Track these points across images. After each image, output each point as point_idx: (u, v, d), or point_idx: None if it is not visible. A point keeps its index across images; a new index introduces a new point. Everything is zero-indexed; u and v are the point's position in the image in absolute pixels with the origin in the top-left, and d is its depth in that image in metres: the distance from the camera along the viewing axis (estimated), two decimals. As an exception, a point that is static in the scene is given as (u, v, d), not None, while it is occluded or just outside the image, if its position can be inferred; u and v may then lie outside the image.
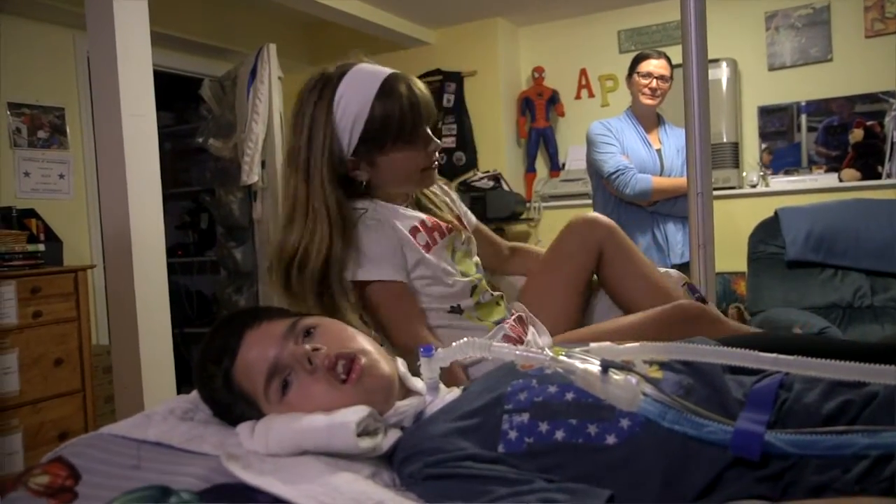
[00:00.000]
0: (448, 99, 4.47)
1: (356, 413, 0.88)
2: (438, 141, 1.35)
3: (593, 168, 3.00)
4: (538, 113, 4.39)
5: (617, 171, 2.83)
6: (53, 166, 3.67)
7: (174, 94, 4.60)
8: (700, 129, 1.68)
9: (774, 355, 0.84)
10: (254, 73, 3.79)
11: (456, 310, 1.36)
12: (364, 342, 1.00)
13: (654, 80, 2.88)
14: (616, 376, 0.84)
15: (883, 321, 3.03)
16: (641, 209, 2.91)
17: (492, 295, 1.42)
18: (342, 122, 1.27)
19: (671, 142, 3.00)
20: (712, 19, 4.01)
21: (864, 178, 3.57)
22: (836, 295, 3.19)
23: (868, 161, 3.57)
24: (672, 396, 0.85)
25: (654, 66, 2.89)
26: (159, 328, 2.75)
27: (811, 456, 0.76)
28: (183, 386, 3.01)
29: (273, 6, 3.90)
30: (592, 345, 0.90)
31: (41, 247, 3.07)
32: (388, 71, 1.32)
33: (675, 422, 0.82)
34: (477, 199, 4.01)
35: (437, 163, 1.35)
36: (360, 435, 0.87)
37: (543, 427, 0.86)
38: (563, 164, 4.43)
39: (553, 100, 4.41)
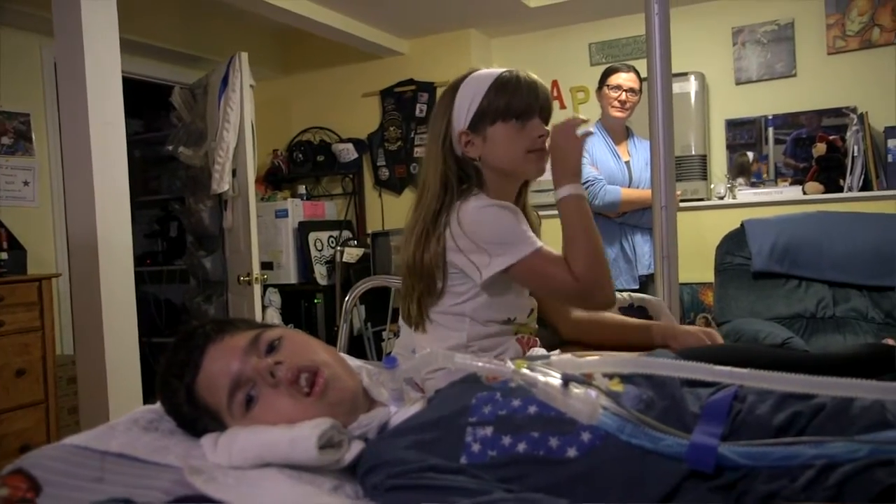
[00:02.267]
0: (421, 109, 4.49)
1: (318, 426, 0.89)
2: (547, 129, 1.39)
3: None
4: (510, 123, 4.43)
5: (586, 182, 2.87)
6: (18, 173, 3.62)
7: (143, 100, 4.57)
8: (664, 143, 1.72)
9: (729, 369, 0.87)
10: (225, 81, 3.77)
11: (510, 321, 1.39)
12: (327, 355, 1.01)
13: (624, 93, 2.93)
14: (576, 390, 0.86)
15: (844, 331, 3.10)
16: (610, 220, 2.95)
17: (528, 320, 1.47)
18: (460, 103, 1.36)
19: (640, 154, 3.05)
20: (681, 34, 4.11)
21: (827, 191, 3.65)
22: (801, 305, 3.27)
23: (831, 174, 3.65)
24: (630, 411, 0.87)
25: (623, 79, 2.94)
26: (126, 338, 2.72)
27: (762, 467, 0.78)
28: (149, 397, 2.98)
29: (245, 15, 3.90)
30: (554, 358, 0.92)
31: (4, 255, 3.03)
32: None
33: (634, 435, 0.84)
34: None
35: (543, 149, 1.38)
36: (322, 447, 0.88)
37: (506, 440, 0.88)
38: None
39: (525, 111, 4.45)
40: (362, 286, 1.89)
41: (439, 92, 4.48)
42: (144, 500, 0.79)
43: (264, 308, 3.91)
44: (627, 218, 2.95)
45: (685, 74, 3.94)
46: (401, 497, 0.83)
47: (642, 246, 2.98)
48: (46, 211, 3.73)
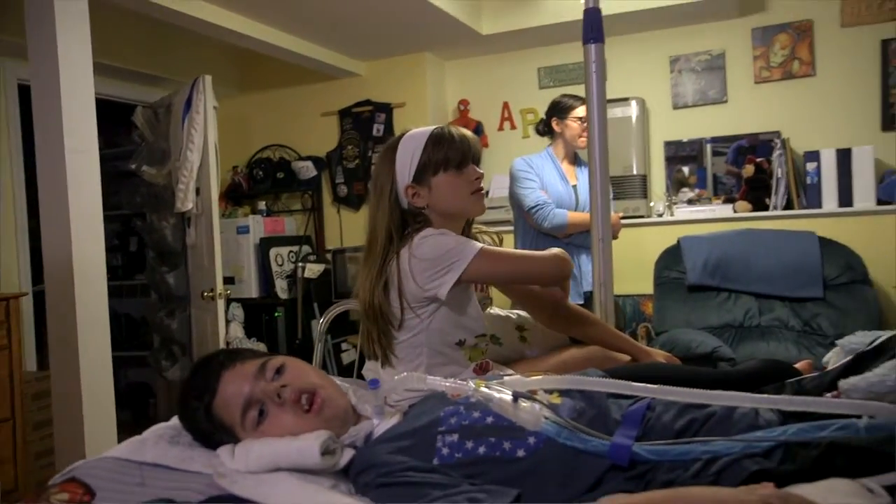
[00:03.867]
0: (377, 129, 4.70)
1: (319, 437, 1.12)
2: (481, 171, 1.63)
3: (515, 201, 3.29)
4: (463, 143, 4.68)
5: (536, 205, 3.13)
6: (-20, 193, 3.71)
7: (102, 117, 4.66)
8: (601, 181, 1.98)
9: (643, 385, 1.14)
10: (189, 102, 3.93)
11: (460, 343, 1.59)
12: (320, 379, 1.24)
13: (585, 124, 3.18)
14: (524, 403, 1.11)
15: (768, 339, 3.44)
16: (558, 240, 3.21)
17: (486, 345, 1.67)
18: (402, 160, 1.57)
19: (586, 179, 3.32)
20: (623, 62, 4.43)
21: (755, 209, 3.99)
22: (730, 316, 3.60)
23: (758, 194, 4.00)
24: (566, 419, 1.12)
25: (584, 111, 3.19)
26: (100, 353, 2.86)
27: (664, 461, 1.04)
28: (121, 409, 3.11)
29: (206, 37, 4.05)
30: (506, 378, 1.17)
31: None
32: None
33: (568, 439, 1.09)
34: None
35: (481, 189, 1.63)
36: (323, 454, 1.10)
37: (469, 444, 1.11)
38: (487, 192, 4.73)
39: (477, 131, 4.70)
40: (334, 310, 2.11)
41: (396, 112, 4.71)
42: (183, 500, 1.00)
43: (228, 322, 4.06)
44: (574, 239, 3.21)
45: (627, 100, 4.25)
46: (388, 492, 1.06)
47: (587, 265, 3.25)
48: (10, 230, 3.82)
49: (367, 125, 4.74)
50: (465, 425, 1.14)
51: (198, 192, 3.97)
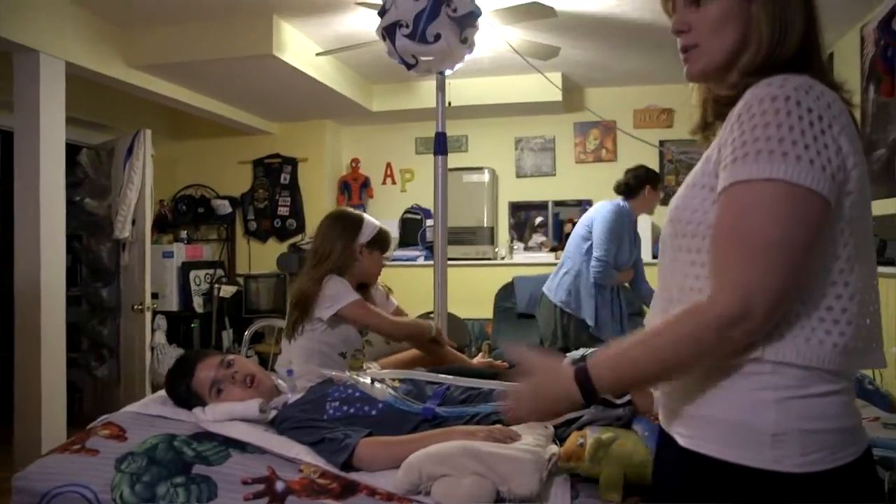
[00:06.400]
0: (285, 178, 5.29)
1: (257, 401, 1.76)
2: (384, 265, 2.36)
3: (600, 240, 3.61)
4: (353, 193, 5.36)
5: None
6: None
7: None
8: (441, 244, 2.70)
9: (444, 375, 1.86)
10: (130, 150, 4.38)
11: (343, 355, 2.23)
12: (258, 369, 1.88)
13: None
14: (377, 384, 1.80)
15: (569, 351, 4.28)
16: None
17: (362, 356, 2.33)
18: (366, 231, 2.28)
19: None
20: (480, 139, 5.22)
21: (571, 257, 4.87)
22: (546, 337, 4.42)
23: (574, 246, 4.88)
24: (400, 394, 1.81)
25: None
26: (57, 363, 3.30)
27: (452, 416, 1.75)
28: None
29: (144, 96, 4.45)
30: (369, 371, 1.85)
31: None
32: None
33: (401, 405, 1.78)
34: (303, 259, 4.86)
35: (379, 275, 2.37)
36: (260, 412, 1.74)
37: (345, 408, 1.78)
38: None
39: (365, 184, 5.39)
40: (257, 325, 2.72)
41: (301, 165, 5.31)
42: (180, 433, 1.61)
43: (153, 331, 4.50)
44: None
45: (481, 168, 5.06)
46: (297, 432, 1.71)
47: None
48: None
49: (276, 174, 5.32)
50: (344, 397, 1.81)
51: (133, 222, 4.41)
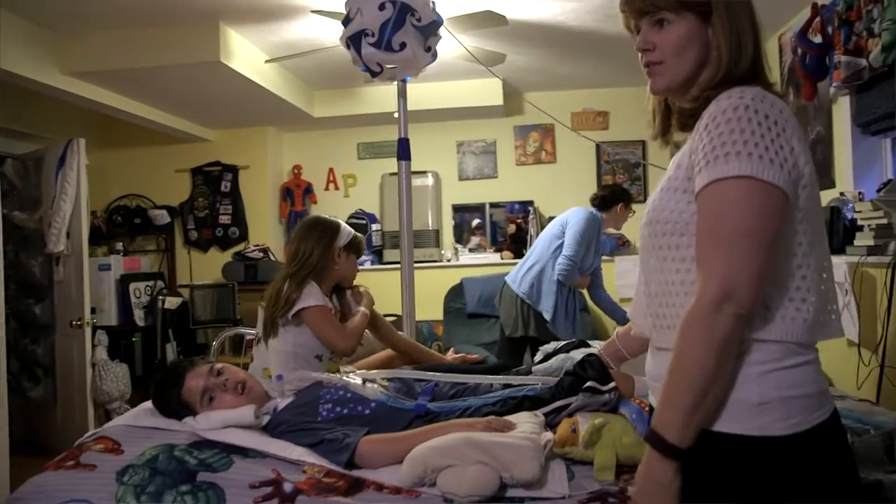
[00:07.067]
0: (225, 185, 5.20)
1: (251, 407, 1.77)
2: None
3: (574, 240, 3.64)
4: (296, 200, 5.32)
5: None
6: None
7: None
8: (408, 251, 2.76)
9: (431, 373, 1.92)
10: (62, 159, 4.21)
11: (319, 357, 2.22)
12: (247, 375, 1.88)
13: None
14: (369, 384, 1.84)
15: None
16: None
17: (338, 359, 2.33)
18: (343, 235, 2.29)
19: None
20: (423, 143, 5.35)
21: (516, 257, 5.00)
22: (496, 335, 4.54)
23: (518, 246, 5.04)
24: (391, 392, 1.86)
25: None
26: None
27: (444, 411, 1.81)
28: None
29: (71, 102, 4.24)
30: (359, 371, 1.89)
31: None
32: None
33: (393, 402, 1.83)
34: (250, 267, 4.80)
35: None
36: (255, 417, 1.75)
37: (338, 409, 1.82)
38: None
39: (308, 190, 5.36)
40: (224, 334, 2.70)
41: (241, 173, 5.22)
42: (178, 443, 1.61)
43: (94, 347, 4.33)
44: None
45: (425, 172, 5.14)
46: (293, 435, 1.73)
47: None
48: None
49: (216, 182, 5.22)
50: (335, 398, 1.85)
51: (68, 235, 4.24)
